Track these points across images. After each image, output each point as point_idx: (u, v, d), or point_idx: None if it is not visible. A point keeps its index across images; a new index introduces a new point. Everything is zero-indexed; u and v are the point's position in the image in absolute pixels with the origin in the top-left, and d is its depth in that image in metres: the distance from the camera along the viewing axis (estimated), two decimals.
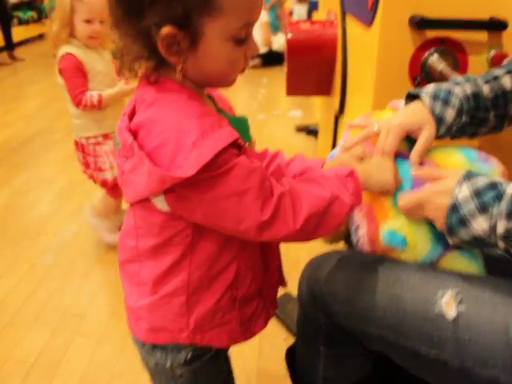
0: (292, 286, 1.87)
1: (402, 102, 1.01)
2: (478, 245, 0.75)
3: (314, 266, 0.93)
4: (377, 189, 0.83)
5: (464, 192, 0.73)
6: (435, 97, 0.90)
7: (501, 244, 0.70)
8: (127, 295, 0.88)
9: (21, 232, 2.34)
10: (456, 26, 1.24)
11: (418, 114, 0.90)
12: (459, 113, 0.90)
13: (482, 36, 1.27)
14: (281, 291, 1.78)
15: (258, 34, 5.74)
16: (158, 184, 0.68)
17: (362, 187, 0.78)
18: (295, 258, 2.03)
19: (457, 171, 0.77)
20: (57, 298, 1.86)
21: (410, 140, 0.91)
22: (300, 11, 6.07)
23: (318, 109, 3.29)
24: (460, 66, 1.29)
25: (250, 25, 0.73)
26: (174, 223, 0.76)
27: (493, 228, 0.70)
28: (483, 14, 1.24)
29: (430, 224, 0.80)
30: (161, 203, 0.73)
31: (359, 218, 0.88)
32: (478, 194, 0.71)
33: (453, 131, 0.91)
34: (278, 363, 1.55)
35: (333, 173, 0.78)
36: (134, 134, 0.71)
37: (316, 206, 0.73)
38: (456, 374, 0.73)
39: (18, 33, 7.00)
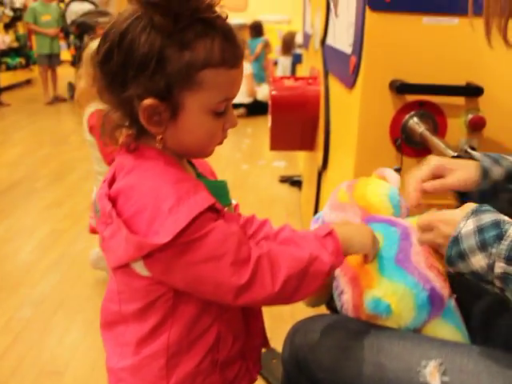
0: (275, 341, 1.85)
1: (389, 170, 1.04)
2: (476, 279, 0.75)
3: (298, 331, 0.93)
4: (355, 251, 0.83)
5: (468, 227, 0.73)
6: (486, 155, 0.93)
7: (497, 283, 0.71)
8: (109, 356, 0.86)
9: None
10: (434, 91, 1.29)
11: (460, 161, 0.94)
12: (508, 175, 0.92)
13: (459, 100, 1.31)
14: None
15: (242, 84, 5.84)
16: (136, 251, 0.69)
17: (342, 247, 0.78)
18: (278, 313, 2.02)
19: (470, 204, 0.78)
20: (34, 354, 1.81)
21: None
22: (284, 63, 6.25)
23: (301, 160, 3.33)
24: (439, 128, 1.33)
25: (229, 99, 0.76)
26: (154, 288, 0.76)
27: (490, 267, 0.70)
28: (460, 80, 1.29)
29: (415, 292, 0.81)
30: (140, 268, 0.74)
31: (344, 284, 0.88)
32: (480, 230, 0.72)
33: (499, 195, 0.93)
34: None
35: (312, 233, 0.79)
36: (114, 200, 0.73)
37: (295, 267, 0.73)
38: None
39: (6, 78, 7.09)
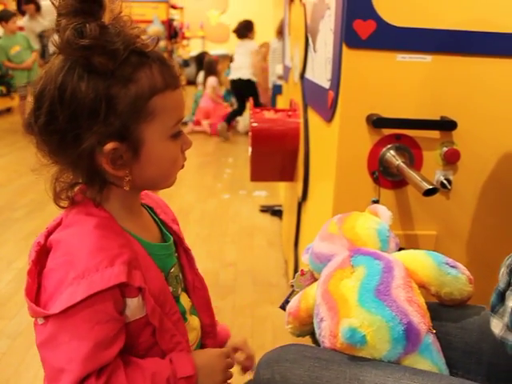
0: None
1: (381, 206, 1.06)
2: None
3: (269, 360, 0.92)
4: None
5: None
6: None
7: None
8: None
9: None
10: (410, 125, 1.32)
11: None
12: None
13: (434, 134, 1.35)
14: (246, 377, 1.76)
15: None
16: (31, 312, 0.71)
17: None
18: (260, 342, 2.02)
19: None
20: None
21: None
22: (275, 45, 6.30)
23: (282, 190, 3.36)
24: (415, 161, 1.36)
25: (181, 120, 0.78)
26: None
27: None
28: (435, 114, 1.33)
29: (391, 325, 0.82)
30: (41, 322, 0.73)
31: (324, 311, 0.89)
32: None
33: None
34: None
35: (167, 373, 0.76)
36: (49, 249, 0.74)
37: None
38: None
39: None
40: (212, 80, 6.77)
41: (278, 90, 5.38)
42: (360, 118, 1.33)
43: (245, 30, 6.16)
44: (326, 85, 1.49)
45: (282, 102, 3.66)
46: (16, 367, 1.89)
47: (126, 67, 0.69)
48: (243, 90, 6.16)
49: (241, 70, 6.11)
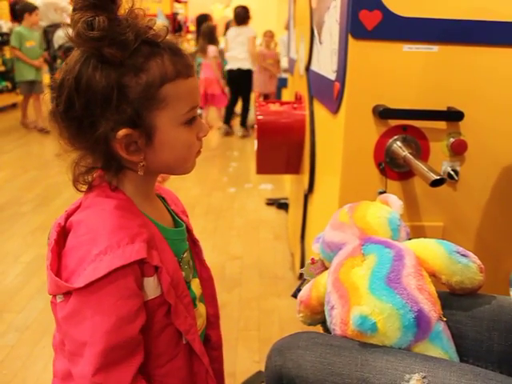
0: (264, 363, 1.84)
1: (392, 196, 1.06)
2: None
3: (281, 347, 0.93)
4: None
5: None
6: None
7: None
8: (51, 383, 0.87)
9: None
10: (416, 116, 1.32)
11: None
12: None
13: (441, 124, 1.34)
14: (254, 369, 1.77)
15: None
16: (55, 288, 0.73)
17: None
18: (267, 335, 2.02)
19: None
20: (19, 381, 1.78)
21: None
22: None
23: (288, 183, 3.36)
24: (422, 152, 1.36)
25: (195, 107, 0.79)
26: None
27: None
28: (441, 105, 1.33)
29: (402, 312, 0.82)
30: (60, 299, 0.75)
31: (335, 299, 0.90)
32: None
33: None
34: None
35: None
36: (68, 231, 0.76)
37: None
38: None
39: None
40: (213, 49, 6.34)
41: (283, 83, 5.39)
42: (366, 109, 1.33)
43: (245, 15, 5.91)
44: (332, 76, 1.49)
45: (287, 95, 3.66)
46: (24, 360, 1.90)
47: (137, 57, 0.72)
48: (241, 81, 6.01)
49: (241, 60, 5.90)
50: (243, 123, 6.25)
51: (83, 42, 0.70)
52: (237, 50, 5.91)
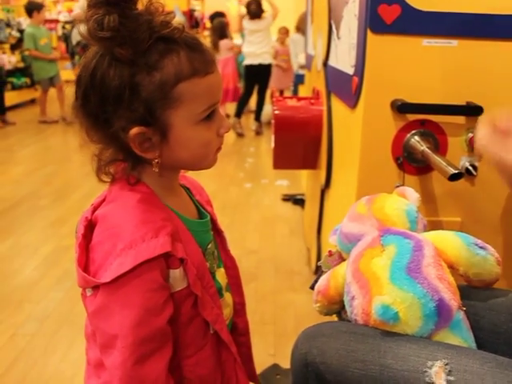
0: (280, 356, 1.86)
1: (409, 188, 1.08)
2: None
3: (307, 335, 0.95)
4: None
5: None
6: None
7: None
8: (85, 370, 0.89)
9: (3, 300, 2.31)
10: (435, 110, 1.31)
11: None
12: None
13: (460, 119, 1.34)
14: (269, 362, 1.78)
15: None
16: (82, 282, 0.74)
17: None
18: (283, 329, 2.04)
19: None
20: (38, 369, 1.82)
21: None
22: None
23: (304, 179, 3.36)
24: (440, 146, 1.35)
25: (213, 105, 0.77)
26: None
27: None
28: (460, 99, 1.32)
29: (423, 301, 0.83)
30: (89, 293, 0.76)
31: (355, 290, 0.90)
32: None
33: None
34: None
35: None
36: (94, 225, 0.77)
37: None
38: None
39: (11, 97, 7.17)
40: (226, 42, 6.29)
41: (300, 79, 5.38)
42: (384, 104, 1.33)
43: (259, 8, 5.80)
44: (350, 71, 1.49)
45: (304, 91, 3.65)
46: (44, 349, 1.94)
47: (151, 54, 0.70)
48: (261, 76, 5.97)
49: (261, 55, 5.83)
50: (257, 118, 6.23)
51: (94, 42, 0.70)
52: (254, 45, 5.86)
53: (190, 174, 0.94)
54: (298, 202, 3.52)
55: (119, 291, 0.71)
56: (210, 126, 0.77)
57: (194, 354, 0.82)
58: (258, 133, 6.15)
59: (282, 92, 6.62)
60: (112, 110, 0.71)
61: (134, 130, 0.72)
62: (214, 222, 0.92)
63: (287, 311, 2.21)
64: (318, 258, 2.21)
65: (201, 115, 0.75)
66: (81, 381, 1.71)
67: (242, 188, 3.99)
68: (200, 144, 0.77)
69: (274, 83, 6.61)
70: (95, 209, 0.79)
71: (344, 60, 1.63)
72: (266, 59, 5.89)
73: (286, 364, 1.79)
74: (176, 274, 0.76)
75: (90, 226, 0.77)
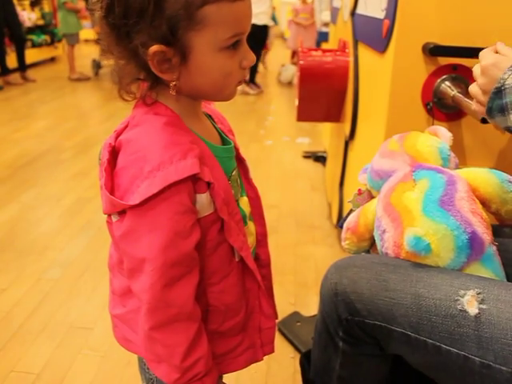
0: (300, 305, 1.87)
1: (442, 127, 1.06)
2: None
3: (338, 266, 0.95)
4: None
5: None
6: None
7: None
8: (109, 300, 0.90)
9: (28, 246, 2.35)
10: (468, 54, 1.27)
11: None
12: None
13: None
14: (290, 310, 1.80)
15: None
16: (110, 206, 0.72)
17: None
18: (303, 279, 2.05)
19: None
20: (63, 311, 1.86)
21: None
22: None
23: (324, 136, 3.33)
24: None
25: (239, 34, 0.73)
26: None
27: None
28: (495, 42, 1.28)
29: (456, 233, 0.82)
30: (115, 219, 0.75)
31: (386, 223, 0.90)
32: None
33: None
34: (285, 382, 1.54)
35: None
36: (118, 151, 0.75)
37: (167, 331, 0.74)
38: (476, 373, 0.74)
39: (31, 55, 7.16)
40: None
41: (323, 37, 5.28)
42: (416, 47, 1.29)
43: None
44: (381, 15, 1.45)
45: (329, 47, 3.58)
46: (68, 293, 1.98)
47: None
48: (256, 37, 5.72)
49: (258, 15, 5.62)
50: (252, 79, 6.16)
51: None
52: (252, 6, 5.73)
53: None
54: (319, 159, 3.50)
55: (147, 214, 0.70)
56: (233, 55, 0.74)
57: (220, 282, 0.82)
58: (259, 93, 6.08)
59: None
60: (134, 23, 0.68)
61: (154, 48, 0.69)
62: (236, 150, 0.91)
63: (307, 263, 2.22)
64: (340, 212, 2.20)
65: (224, 42, 0.72)
66: (104, 324, 1.77)
67: (262, 145, 3.97)
68: (220, 72, 0.74)
69: (293, 42, 6.48)
70: (118, 135, 0.77)
71: (374, 5, 1.58)
72: (261, 20, 5.71)
73: (306, 312, 1.81)
74: (203, 198, 0.74)
75: (113, 152, 0.75)
